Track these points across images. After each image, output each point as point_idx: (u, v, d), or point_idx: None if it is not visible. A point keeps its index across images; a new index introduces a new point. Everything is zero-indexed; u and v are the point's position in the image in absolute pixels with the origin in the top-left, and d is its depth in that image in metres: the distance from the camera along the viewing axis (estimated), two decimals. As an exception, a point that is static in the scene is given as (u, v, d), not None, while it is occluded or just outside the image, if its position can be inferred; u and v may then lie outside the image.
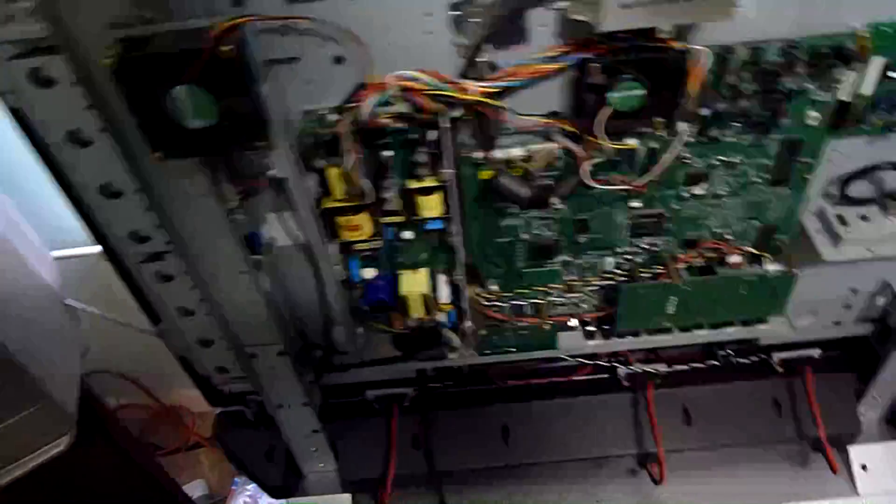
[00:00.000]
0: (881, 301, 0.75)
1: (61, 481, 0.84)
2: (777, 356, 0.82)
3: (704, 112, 0.55)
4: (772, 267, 0.66)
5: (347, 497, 0.87)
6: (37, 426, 0.73)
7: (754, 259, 0.67)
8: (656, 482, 0.82)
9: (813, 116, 0.57)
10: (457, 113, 0.52)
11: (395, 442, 0.83)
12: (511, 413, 0.86)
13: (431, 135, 0.53)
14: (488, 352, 0.74)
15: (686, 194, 0.62)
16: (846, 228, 0.63)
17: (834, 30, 0.52)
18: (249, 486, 1.16)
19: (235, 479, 1.17)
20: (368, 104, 0.49)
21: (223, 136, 0.46)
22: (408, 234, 0.63)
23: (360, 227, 0.59)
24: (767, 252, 0.67)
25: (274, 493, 0.88)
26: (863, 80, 0.55)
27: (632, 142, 0.56)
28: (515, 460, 0.85)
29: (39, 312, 0.81)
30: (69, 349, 0.85)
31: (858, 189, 0.64)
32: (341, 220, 0.59)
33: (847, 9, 0.51)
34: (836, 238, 0.64)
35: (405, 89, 0.49)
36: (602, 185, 0.58)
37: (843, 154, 0.61)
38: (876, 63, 0.54)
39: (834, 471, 0.83)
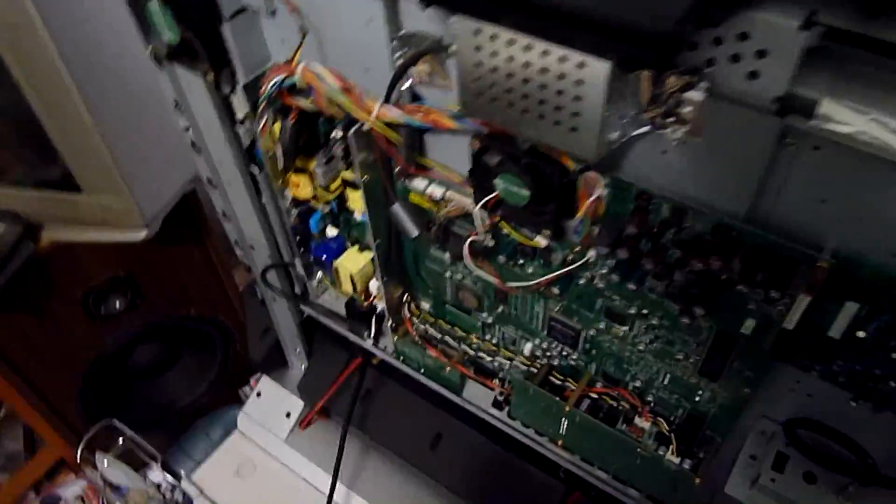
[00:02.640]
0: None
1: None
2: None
3: (599, 251, 0.46)
4: (672, 458, 0.55)
5: (299, 403, 0.96)
6: (110, 212, 0.90)
7: (663, 438, 0.56)
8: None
9: (747, 324, 0.44)
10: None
11: (340, 381, 0.89)
12: (450, 427, 0.85)
13: (337, 133, 0.53)
14: (401, 358, 0.73)
15: (603, 326, 0.54)
16: (774, 476, 0.50)
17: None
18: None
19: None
20: (270, 82, 0.51)
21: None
22: (357, 217, 0.65)
23: (298, 185, 0.62)
24: (686, 440, 0.55)
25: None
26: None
27: (523, 236, 0.50)
28: (429, 470, 0.85)
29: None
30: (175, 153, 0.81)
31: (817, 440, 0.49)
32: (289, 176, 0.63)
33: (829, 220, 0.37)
34: (754, 479, 0.50)
35: (310, 82, 0.50)
36: (471, 263, 0.53)
37: (796, 391, 0.47)
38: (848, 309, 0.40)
39: None
